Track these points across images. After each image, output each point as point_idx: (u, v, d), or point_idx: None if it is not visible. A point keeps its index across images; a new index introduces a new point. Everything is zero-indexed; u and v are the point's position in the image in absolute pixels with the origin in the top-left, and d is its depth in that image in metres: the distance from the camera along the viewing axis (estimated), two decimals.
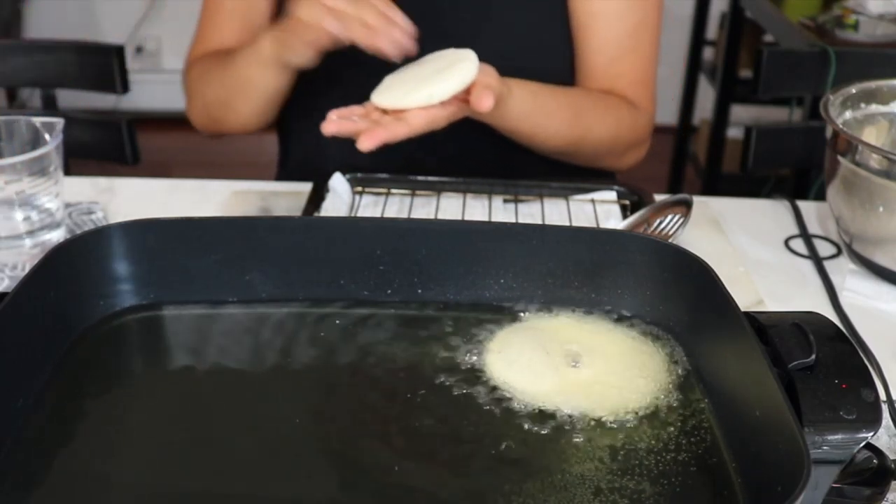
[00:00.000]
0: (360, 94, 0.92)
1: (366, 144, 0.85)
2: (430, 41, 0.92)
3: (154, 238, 0.65)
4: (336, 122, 0.87)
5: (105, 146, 1.29)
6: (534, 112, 0.99)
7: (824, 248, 0.98)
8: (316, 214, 0.94)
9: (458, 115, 0.90)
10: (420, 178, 1.00)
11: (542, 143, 1.03)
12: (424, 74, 0.89)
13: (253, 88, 1.04)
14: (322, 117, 0.88)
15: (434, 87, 0.86)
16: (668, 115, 2.79)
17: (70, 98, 1.58)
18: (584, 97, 1.06)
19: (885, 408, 0.71)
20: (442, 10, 1.04)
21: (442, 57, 0.90)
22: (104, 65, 1.26)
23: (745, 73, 2.44)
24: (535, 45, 1.07)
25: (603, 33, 1.06)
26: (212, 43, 1.11)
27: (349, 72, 0.99)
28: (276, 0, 1.11)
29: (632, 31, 1.06)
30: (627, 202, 1.00)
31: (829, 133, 0.91)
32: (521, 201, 1.00)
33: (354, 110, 0.89)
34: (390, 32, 0.88)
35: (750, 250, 0.98)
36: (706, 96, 2.73)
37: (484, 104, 0.86)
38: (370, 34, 0.89)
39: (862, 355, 0.55)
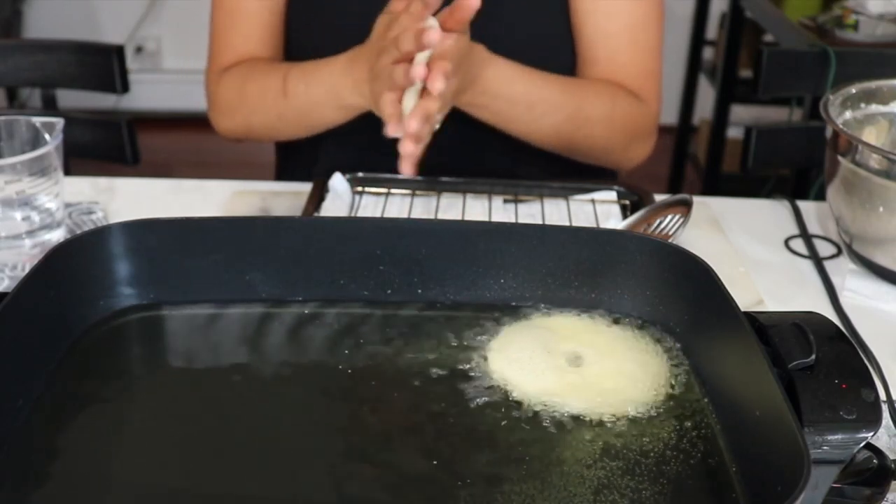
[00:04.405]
0: None
1: (413, 125, 0.86)
2: None
3: (154, 238, 0.65)
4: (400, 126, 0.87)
5: (105, 146, 1.28)
6: (522, 83, 0.99)
7: (824, 248, 0.98)
8: (316, 214, 0.94)
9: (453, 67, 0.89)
10: (420, 178, 1.00)
11: (536, 122, 1.03)
12: None
13: (320, 122, 1.04)
14: None
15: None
16: (668, 114, 2.78)
17: (70, 98, 1.58)
18: (576, 79, 1.06)
19: (885, 408, 0.71)
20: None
21: None
22: (104, 65, 1.26)
23: (745, 73, 2.44)
24: (538, 43, 1.07)
25: (603, 26, 1.06)
26: (239, 49, 1.09)
27: None
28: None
29: (633, 24, 1.06)
30: (627, 202, 1.00)
31: (829, 133, 0.91)
32: (521, 201, 1.00)
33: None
34: None
35: (750, 250, 0.98)
36: (706, 96, 2.73)
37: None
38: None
39: (862, 355, 0.55)
